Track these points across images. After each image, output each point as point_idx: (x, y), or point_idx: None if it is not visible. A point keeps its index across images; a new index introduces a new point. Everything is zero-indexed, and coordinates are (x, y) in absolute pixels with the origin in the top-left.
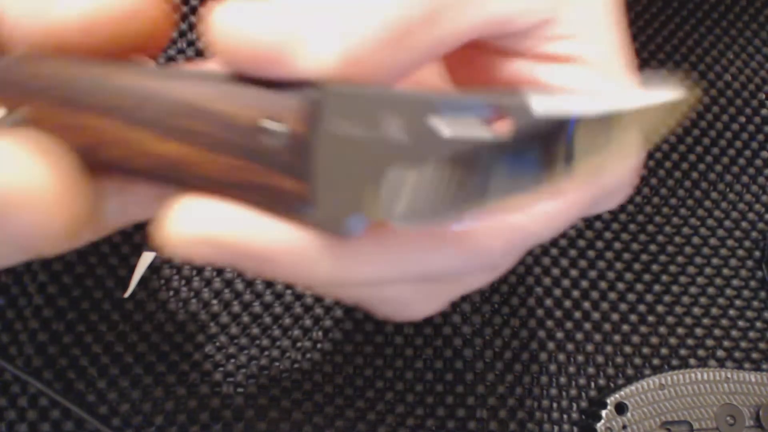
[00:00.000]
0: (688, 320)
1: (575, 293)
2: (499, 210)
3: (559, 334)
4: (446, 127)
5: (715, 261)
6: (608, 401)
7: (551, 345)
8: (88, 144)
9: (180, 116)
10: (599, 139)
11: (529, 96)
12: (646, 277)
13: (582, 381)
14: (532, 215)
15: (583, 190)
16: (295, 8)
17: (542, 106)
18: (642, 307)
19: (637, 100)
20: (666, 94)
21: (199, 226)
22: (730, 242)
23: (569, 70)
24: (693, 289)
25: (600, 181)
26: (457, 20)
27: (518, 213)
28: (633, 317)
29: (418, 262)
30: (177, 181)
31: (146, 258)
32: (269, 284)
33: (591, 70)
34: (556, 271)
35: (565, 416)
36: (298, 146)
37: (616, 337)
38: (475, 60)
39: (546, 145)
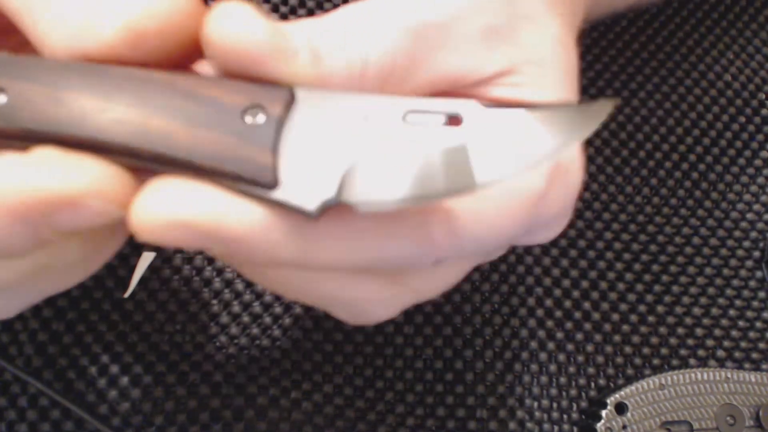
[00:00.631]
0: (688, 320)
1: (575, 293)
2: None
3: (559, 334)
4: (409, 124)
5: (715, 261)
6: (608, 401)
7: (551, 345)
8: (68, 129)
9: (167, 95)
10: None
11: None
12: (647, 277)
13: (582, 381)
14: (474, 217)
15: (521, 209)
16: (286, 33)
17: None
18: (642, 308)
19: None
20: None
21: (169, 209)
22: (729, 242)
23: None
24: (693, 289)
25: (538, 208)
26: (411, 79)
27: (464, 213)
28: (633, 317)
29: (376, 247)
30: (151, 154)
31: (146, 258)
32: None
33: None
34: (556, 272)
35: (565, 416)
36: (276, 127)
37: (616, 337)
38: None
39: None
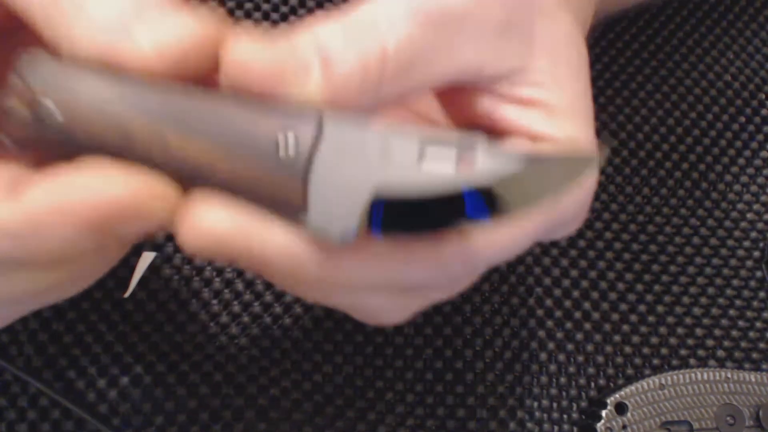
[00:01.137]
0: (688, 320)
1: (575, 293)
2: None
3: (559, 334)
4: (425, 160)
5: (715, 261)
6: (608, 401)
7: (551, 345)
8: (113, 141)
9: (208, 120)
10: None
11: (479, 145)
12: (647, 277)
13: (582, 381)
14: (487, 243)
15: (536, 221)
16: (296, 48)
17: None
18: (642, 307)
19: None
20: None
21: (206, 229)
22: (730, 242)
23: (533, 114)
24: (693, 289)
25: (553, 213)
26: (429, 70)
27: (478, 238)
28: (633, 317)
29: (394, 273)
30: (193, 177)
31: (146, 258)
32: (269, 285)
33: (552, 115)
34: (556, 271)
35: (565, 416)
36: (306, 158)
37: (616, 337)
38: (458, 97)
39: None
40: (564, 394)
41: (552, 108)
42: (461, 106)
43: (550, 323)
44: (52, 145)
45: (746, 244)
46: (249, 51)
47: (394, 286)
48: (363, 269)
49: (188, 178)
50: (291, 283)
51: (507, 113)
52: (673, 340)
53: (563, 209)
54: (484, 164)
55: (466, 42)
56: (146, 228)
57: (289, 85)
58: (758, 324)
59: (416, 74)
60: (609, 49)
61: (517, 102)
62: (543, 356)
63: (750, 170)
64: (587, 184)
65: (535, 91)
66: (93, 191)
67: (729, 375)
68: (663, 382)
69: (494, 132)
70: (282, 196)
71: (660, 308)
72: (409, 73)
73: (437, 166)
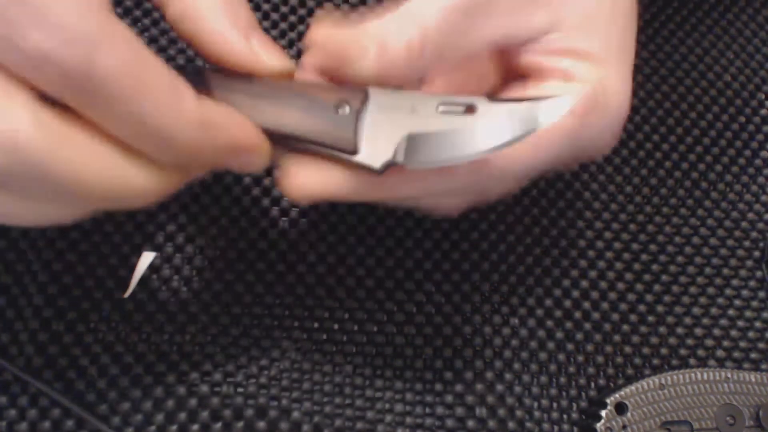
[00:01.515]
0: (688, 320)
1: (575, 293)
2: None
3: (559, 334)
4: (440, 113)
5: (715, 261)
6: (608, 401)
7: (551, 345)
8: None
9: (291, 97)
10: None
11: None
12: (646, 277)
13: (582, 381)
14: (497, 157)
15: (551, 142)
16: (359, 35)
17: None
18: (642, 307)
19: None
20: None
21: (298, 185)
22: (729, 242)
23: (566, 61)
24: (693, 289)
25: (573, 136)
26: (462, 47)
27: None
28: (633, 317)
29: (432, 185)
30: (280, 134)
31: (146, 258)
32: (268, 286)
33: (585, 60)
34: (556, 272)
35: (565, 416)
36: (356, 116)
37: (616, 337)
38: (501, 55)
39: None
40: (564, 394)
41: (583, 54)
42: (506, 61)
43: (550, 323)
44: None
45: (746, 244)
46: (325, 33)
47: (439, 193)
48: (406, 187)
49: (278, 139)
50: (363, 200)
51: (543, 62)
52: (672, 340)
53: (585, 131)
54: (483, 111)
55: (493, 19)
56: (247, 167)
57: (351, 63)
58: (758, 324)
59: (451, 51)
60: None
61: (549, 53)
62: (543, 356)
63: (750, 170)
64: (611, 109)
65: (565, 42)
66: (240, 124)
67: (729, 375)
68: (663, 382)
69: (537, 77)
70: (341, 143)
71: (660, 308)
72: (444, 51)
73: (449, 114)
